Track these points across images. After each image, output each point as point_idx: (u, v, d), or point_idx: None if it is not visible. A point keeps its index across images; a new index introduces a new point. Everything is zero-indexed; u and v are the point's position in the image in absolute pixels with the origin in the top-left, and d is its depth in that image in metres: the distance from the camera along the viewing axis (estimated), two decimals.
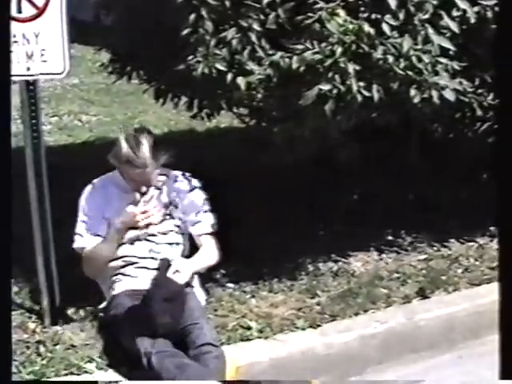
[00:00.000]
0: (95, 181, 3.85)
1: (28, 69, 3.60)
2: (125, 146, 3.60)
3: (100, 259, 3.73)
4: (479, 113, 4.43)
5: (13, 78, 3.61)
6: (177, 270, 3.54)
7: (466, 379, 3.67)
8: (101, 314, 3.79)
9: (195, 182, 3.88)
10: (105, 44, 4.91)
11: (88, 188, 3.83)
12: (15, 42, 3.55)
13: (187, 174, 3.90)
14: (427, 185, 5.03)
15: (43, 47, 3.60)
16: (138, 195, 3.75)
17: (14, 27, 3.51)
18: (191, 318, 3.51)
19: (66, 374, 3.45)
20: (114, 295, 3.70)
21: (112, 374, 3.47)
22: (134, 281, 3.69)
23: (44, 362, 3.52)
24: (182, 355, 3.38)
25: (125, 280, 3.71)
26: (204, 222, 3.85)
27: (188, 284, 3.65)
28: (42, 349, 3.60)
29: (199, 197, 3.86)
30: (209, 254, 3.82)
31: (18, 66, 3.57)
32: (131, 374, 3.42)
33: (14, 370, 3.41)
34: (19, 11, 3.54)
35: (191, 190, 3.86)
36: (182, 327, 3.46)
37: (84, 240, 3.76)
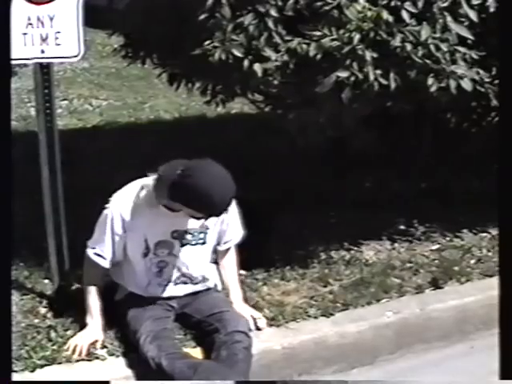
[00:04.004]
0: (124, 195, 3.49)
1: (42, 51, 3.57)
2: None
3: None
4: (494, 103, 4.39)
5: (27, 61, 3.62)
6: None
7: (477, 370, 3.64)
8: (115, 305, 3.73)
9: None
10: (118, 28, 4.87)
11: (117, 202, 3.48)
12: (30, 24, 3.52)
13: None
14: (440, 174, 5.00)
15: (58, 30, 3.56)
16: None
17: (29, 10, 3.50)
18: (223, 306, 3.54)
19: (78, 360, 3.43)
20: (130, 292, 3.60)
21: (123, 361, 3.46)
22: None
23: (55, 347, 3.49)
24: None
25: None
26: (234, 240, 3.72)
27: None
28: (52, 334, 3.58)
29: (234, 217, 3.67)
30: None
31: (33, 49, 3.54)
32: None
33: (25, 355, 3.41)
34: None
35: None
36: (214, 312, 3.47)
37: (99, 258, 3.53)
